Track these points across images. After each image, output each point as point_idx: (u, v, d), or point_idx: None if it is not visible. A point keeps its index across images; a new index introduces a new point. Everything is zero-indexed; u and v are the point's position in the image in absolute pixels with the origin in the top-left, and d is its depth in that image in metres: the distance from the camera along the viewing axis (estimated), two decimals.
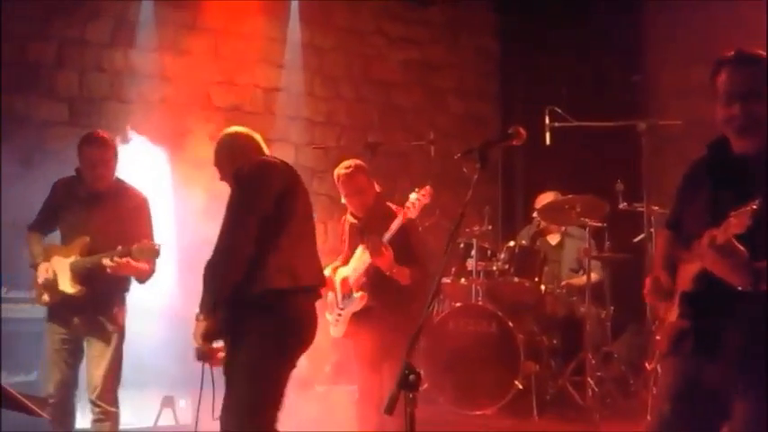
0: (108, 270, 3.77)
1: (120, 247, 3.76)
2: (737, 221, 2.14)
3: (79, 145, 3.97)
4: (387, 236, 3.95)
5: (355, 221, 4.21)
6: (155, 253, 3.74)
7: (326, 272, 4.36)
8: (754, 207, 2.10)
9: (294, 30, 6.26)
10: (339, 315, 4.13)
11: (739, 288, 2.23)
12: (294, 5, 6.26)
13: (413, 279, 3.93)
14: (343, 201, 4.19)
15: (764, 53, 2.40)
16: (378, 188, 4.20)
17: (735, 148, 2.47)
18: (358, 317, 4.05)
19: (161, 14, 5.72)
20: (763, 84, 2.37)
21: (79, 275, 3.87)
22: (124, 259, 3.73)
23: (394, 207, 4.11)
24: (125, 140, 4.99)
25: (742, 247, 2.19)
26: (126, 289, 4.03)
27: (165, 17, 5.74)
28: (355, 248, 4.13)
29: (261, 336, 2.95)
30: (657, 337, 2.58)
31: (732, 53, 2.42)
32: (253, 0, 5.98)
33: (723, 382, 2.36)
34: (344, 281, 4.12)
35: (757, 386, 2.30)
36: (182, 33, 5.81)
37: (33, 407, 3.18)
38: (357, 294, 4.05)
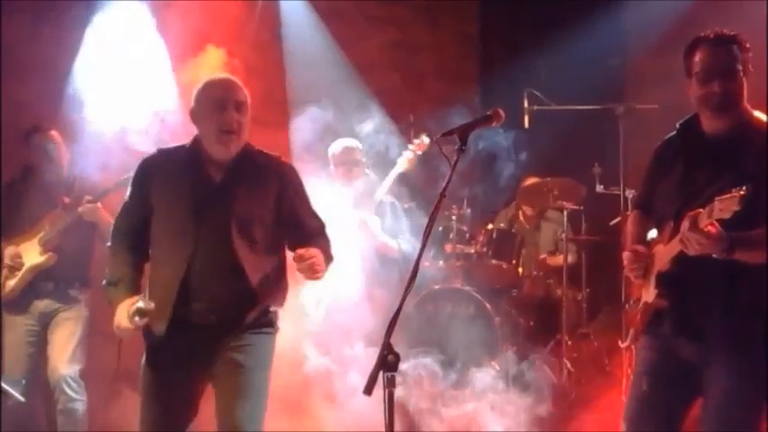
0: (84, 215, 3.81)
1: (88, 197, 3.84)
2: (723, 206, 2.16)
3: (27, 136, 4.03)
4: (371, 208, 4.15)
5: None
6: None
7: None
8: (742, 193, 2.12)
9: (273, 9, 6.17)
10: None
11: (713, 255, 2.26)
12: None
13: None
14: (334, 176, 4.29)
15: (738, 34, 2.44)
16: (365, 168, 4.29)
17: (706, 128, 2.50)
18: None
19: None
20: (737, 63, 2.40)
21: (48, 245, 3.86)
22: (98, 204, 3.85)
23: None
24: None
25: (722, 231, 2.23)
26: (86, 273, 4.02)
27: None
28: None
29: None
30: (631, 316, 2.63)
31: (709, 33, 2.46)
32: None
33: (699, 358, 2.41)
34: None
35: (732, 362, 2.36)
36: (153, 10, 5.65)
37: (9, 389, 3.18)
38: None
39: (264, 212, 2.78)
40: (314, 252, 2.69)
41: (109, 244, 2.89)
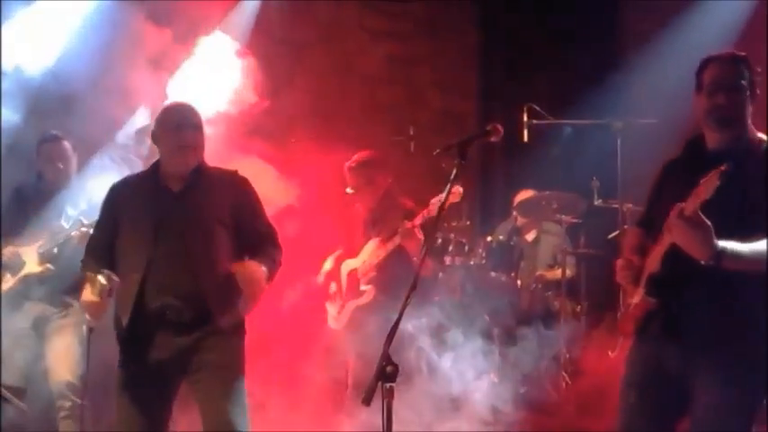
0: (77, 240, 3.79)
1: (83, 219, 3.82)
2: (705, 187, 2.21)
3: (39, 144, 4.09)
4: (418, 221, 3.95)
5: (365, 213, 4.24)
6: None
7: (329, 262, 4.38)
8: (722, 168, 2.17)
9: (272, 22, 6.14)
10: (342, 307, 4.17)
11: (702, 262, 2.29)
12: None
13: (432, 271, 4.10)
14: (349, 191, 4.23)
15: (748, 56, 2.51)
16: (389, 180, 4.22)
17: (709, 143, 2.54)
18: (362, 310, 4.08)
19: None
20: (744, 80, 2.46)
21: (46, 255, 3.87)
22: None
23: (406, 201, 4.17)
24: None
25: (708, 221, 2.26)
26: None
27: None
28: (363, 241, 4.15)
29: None
30: (621, 324, 2.65)
31: (723, 52, 2.54)
32: None
33: (686, 366, 2.43)
34: (352, 273, 4.17)
35: (719, 368, 2.38)
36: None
37: (12, 396, 3.19)
38: (365, 287, 4.09)
39: (220, 219, 3.02)
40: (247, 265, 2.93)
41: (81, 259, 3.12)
